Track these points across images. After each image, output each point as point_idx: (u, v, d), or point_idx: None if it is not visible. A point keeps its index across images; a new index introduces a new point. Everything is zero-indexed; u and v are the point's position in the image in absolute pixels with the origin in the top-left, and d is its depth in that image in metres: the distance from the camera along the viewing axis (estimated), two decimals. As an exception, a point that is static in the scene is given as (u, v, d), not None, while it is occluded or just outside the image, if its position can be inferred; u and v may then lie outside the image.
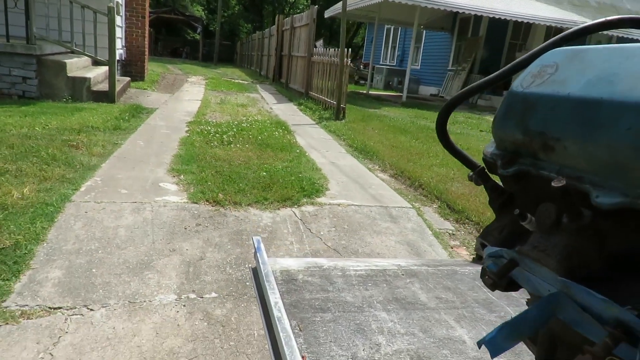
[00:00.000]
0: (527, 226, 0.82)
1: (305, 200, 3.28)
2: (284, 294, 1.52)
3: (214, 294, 2.13)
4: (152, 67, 13.77)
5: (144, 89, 9.22)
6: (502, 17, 11.29)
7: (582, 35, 0.92)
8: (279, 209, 3.10)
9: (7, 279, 2.06)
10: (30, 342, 1.72)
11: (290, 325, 1.30)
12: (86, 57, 7.29)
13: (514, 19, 11.36)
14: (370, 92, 15.02)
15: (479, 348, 0.80)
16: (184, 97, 8.96)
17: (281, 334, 1.24)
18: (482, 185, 0.99)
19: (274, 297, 1.38)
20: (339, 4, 14.86)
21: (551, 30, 12.52)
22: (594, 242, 0.74)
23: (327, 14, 15.53)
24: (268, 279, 1.48)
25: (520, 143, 0.85)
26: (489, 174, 0.98)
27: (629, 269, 0.70)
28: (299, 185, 3.52)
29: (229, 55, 35.33)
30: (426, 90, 18.04)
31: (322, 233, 2.86)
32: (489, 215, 3.40)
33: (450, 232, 3.24)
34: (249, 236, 2.70)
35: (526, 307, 0.86)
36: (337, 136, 6.14)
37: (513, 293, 1.56)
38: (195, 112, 6.96)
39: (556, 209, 0.76)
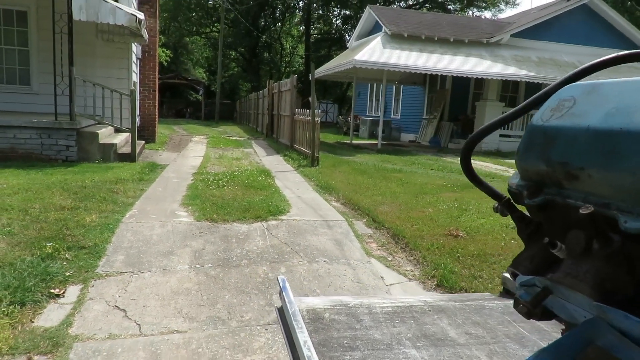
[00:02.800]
0: (558, 254, 0.84)
1: (271, 217, 4.97)
2: (312, 332, 1.49)
3: (209, 265, 3.76)
4: (160, 130, 15.78)
5: (156, 149, 11.10)
6: (459, 75, 13.32)
7: (594, 71, 0.95)
8: (252, 223, 4.79)
9: (94, 260, 3.70)
10: (112, 287, 3.35)
11: None
12: (110, 127, 9.18)
13: (468, 76, 13.38)
14: (353, 141, 16.90)
15: None
16: (189, 155, 10.81)
17: None
18: (505, 214, 1.02)
19: (303, 336, 1.34)
20: (322, 67, 17.10)
21: (501, 81, 14.54)
22: (626, 267, 0.75)
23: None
24: (296, 318, 1.45)
25: (544, 173, 0.89)
26: (515, 205, 1.00)
27: None
28: (268, 209, 5.21)
29: (230, 113, 37.54)
30: (406, 137, 19.98)
31: (279, 235, 4.51)
32: (399, 224, 5.03)
33: (369, 234, 4.88)
34: (233, 237, 4.35)
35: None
36: (309, 178, 7.87)
37: (544, 327, 1.65)
38: (198, 166, 8.75)
39: (585, 236, 0.78)
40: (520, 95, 16.87)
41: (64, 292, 3.23)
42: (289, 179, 7.84)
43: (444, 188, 6.99)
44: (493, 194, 1.12)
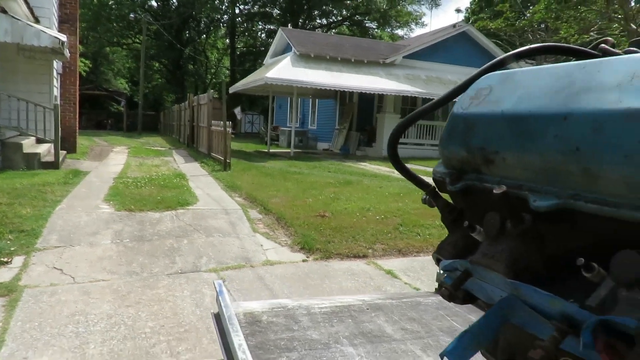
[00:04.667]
0: (477, 237, 0.89)
1: (180, 207, 6.21)
2: (248, 336, 1.47)
3: (127, 240, 4.95)
4: (80, 141, 16.20)
5: (78, 159, 11.79)
6: (358, 91, 15.21)
7: (508, 63, 1.04)
8: (164, 211, 6.00)
9: (33, 239, 4.75)
10: (50, 256, 4.45)
11: None
12: (34, 137, 9.85)
13: (366, 92, 15.32)
14: (271, 150, 18.27)
15: None
16: (110, 163, 11.63)
17: None
18: (432, 204, 1.07)
19: (238, 339, 1.32)
20: (240, 82, 18.37)
21: (399, 97, 16.68)
22: (536, 244, 0.80)
23: (231, 90, 18.98)
24: (231, 322, 1.43)
25: (464, 160, 0.95)
26: (440, 193, 1.07)
27: (568, 268, 0.73)
28: (178, 202, 6.44)
29: (154, 125, 37.21)
30: (322, 145, 21.70)
31: (185, 219, 5.77)
32: (283, 210, 6.45)
33: (259, 218, 6.26)
34: (147, 222, 5.54)
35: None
36: (219, 180, 9.13)
37: (475, 319, 1.63)
38: (119, 172, 9.69)
39: (500, 217, 0.83)
40: (418, 107, 19.15)
41: (11, 261, 4.28)
42: (201, 180, 9.06)
43: (329, 185, 8.57)
44: (419, 183, 1.17)
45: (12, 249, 4.48)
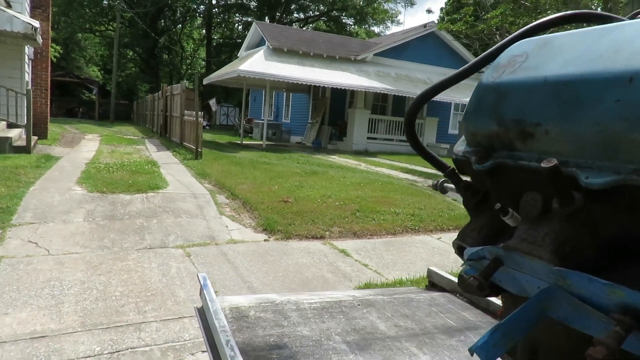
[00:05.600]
0: (509, 221, 0.81)
1: (150, 191, 6.53)
2: (235, 332, 1.43)
3: (99, 218, 5.27)
4: (51, 128, 16.15)
5: (49, 144, 11.87)
6: (329, 86, 15.65)
7: (541, 30, 0.96)
8: (134, 194, 6.33)
9: (8, 216, 5.03)
10: (25, 231, 4.75)
11: None
12: (4, 122, 9.93)
13: (337, 87, 15.77)
14: (244, 142, 18.55)
15: (472, 356, 0.76)
16: (83, 149, 11.76)
17: None
18: (444, 191, 1.03)
19: (225, 336, 1.27)
20: (214, 74, 18.56)
21: (370, 92, 17.23)
22: (587, 227, 0.71)
23: (205, 81, 19.15)
24: (217, 317, 1.38)
25: (494, 135, 0.85)
26: (460, 175, 0.99)
27: (625, 254, 0.67)
28: (149, 186, 6.77)
29: (127, 114, 36.87)
30: (295, 139, 22.07)
31: (155, 202, 6.11)
32: (249, 196, 6.85)
33: (226, 203, 6.64)
34: (118, 203, 5.86)
35: (486, 329, 0.88)
36: (190, 168, 9.44)
37: (470, 317, 1.71)
38: (91, 158, 9.89)
39: (543, 197, 0.75)
40: (388, 104, 19.78)
41: (-13, 235, 4.56)
42: (172, 168, 9.36)
43: (295, 174, 9.00)
44: (436, 164, 1.09)
45: (-12, 224, 4.75)
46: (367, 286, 4.03)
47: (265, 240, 5.22)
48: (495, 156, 0.88)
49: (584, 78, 0.70)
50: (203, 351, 2.92)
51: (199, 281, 1.63)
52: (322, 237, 5.42)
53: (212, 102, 34.84)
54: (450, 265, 4.70)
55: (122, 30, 37.96)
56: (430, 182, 9.81)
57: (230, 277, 4.07)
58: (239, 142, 18.36)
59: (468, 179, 1.01)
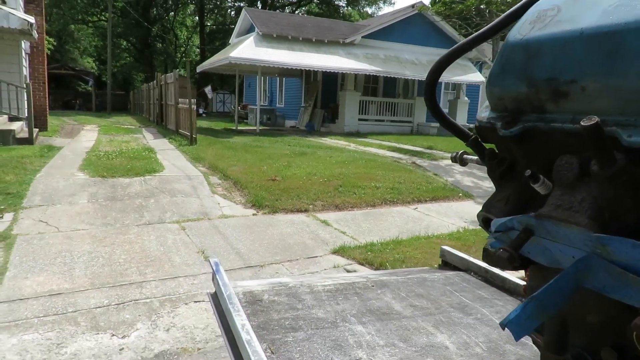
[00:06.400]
0: (540, 189, 0.77)
1: (148, 174, 7.05)
2: (250, 316, 1.42)
3: (102, 200, 5.79)
4: (50, 120, 16.59)
5: (50, 136, 12.35)
6: (319, 70, 16.04)
7: None
8: (133, 177, 6.84)
9: (19, 200, 5.54)
10: (35, 212, 5.27)
11: (261, 348, 1.20)
12: (6, 115, 10.39)
13: (326, 70, 16.16)
14: (239, 127, 18.97)
15: (503, 330, 0.75)
16: (82, 139, 12.24)
17: (252, 358, 1.14)
18: (464, 163, 0.99)
19: (240, 320, 1.27)
20: (206, 61, 18.89)
21: (361, 75, 17.61)
22: (630, 190, 0.68)
23: (199, 69, 19.50)
24: (231, 301, 1.37)
25: (524, 97, 0.81)
26: (482, 144, 0.94)
27: None
28: (146, 169, 7.27)
29: (123, 104, 37.04)
30: (289, 123, 22.48)
31: (152, 184, 6.63)
32: (240, 176, 7.35)
33: (218, 183, 7.16)
34: (118, 186, 6.38)
35: (502, 306, 0.86)
36: (185, 153, 9.94)
37: (485, 295, 1.70)
38: (91, 147, 10.38)
39: (579, 160, 0.71)
40: (379, 86, 20.16)
41: (2, 216, 5.08)
42: (168, 154, 9.86)
43: (285, 156, 9.49)
44: (458, 132, 1.06)
45: (1, 207, 5.27)
46: (342, 249, 4.56)
47: (253, 214, 5.74)
48: (524, 120, 0.83)
49: (628, 27, 0.66)
50: (196, 301, 3.45)
51: (211, 266, 1.61)
52: (306, 211, 5.94)
53: (208, 89, 35.08)
54: (420, 231, 5.22)
55: (115, 20, 38.01)
56: (415, 160, 10.31)
57: (221, 245, 4.59)
58: (234, 128, 18.79)
59: (492, 147, 0.96)
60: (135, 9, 39.26)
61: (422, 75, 16.05)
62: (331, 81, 19.60)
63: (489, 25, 0.96)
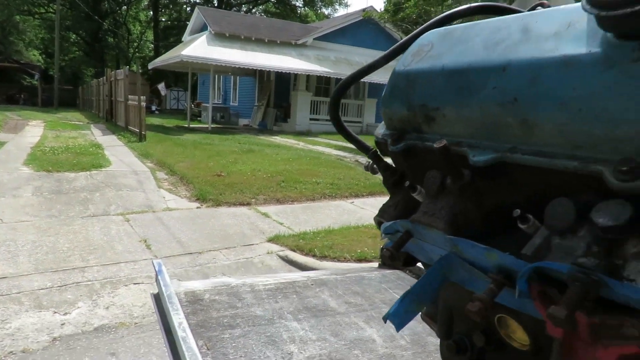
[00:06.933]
0: (418, 197, 0.90)
1: (94, 169, 7.21)
2: (189, 315, 1.46)
3: (46, 193, 5.94)
4: (-7, 114, 16.10)
5: (-8, 131, 12.09)
6: (270, 70, 16.39)
7: (449, 21, 1.06)
8: (79, 172, 6.99)
9: (-39, 193, 5.62)
10: (-20, 201, 5.38)
11: (197, 345, 1.26)
12: (-55, 109, 10.14)
13: (277, 71, 16.54)
14: (191, 125, 18.97)
15: (385, 323, 0.86)
16: (27, 135, 12.05)
17: (186, 354, 1.18)
18: (375, 171, 1.09)
19: (178, 318, 1.32)
20: (158, 58, 18.81)
21: (307, 76, 18.12)
22: (475, 200, 0.82)
23: (150, 66, 19.39)
24: (171, 300, 1.42)
25: (406, 119, 0.95)
26: (381, 157, 1.08)
27: (507, 222, 0.74)
28: (92, 165, 7.42)
29: (72, 100, 35.79)
30: (243, 121, 22.63)
31: (98, 178, 6.81)
32: (186, 172, 7.62)
33: (165, 178, 7.40)
34: (64, 180, 6.53)
35: None
36: (134, 150, 10.06)
37: None
38: (36, 142, 10.30)
39: (440, 174, 0.85)
40: (331, 87, 20.71)
41: (-57, 209, 5.17)
42: (117, 150, 9.95)
43: (233, 153, 9.81)
44: (360, 146, 1.18)
45: (-57, 200, 5.34)
46: (277, 237, 4.97)
47: (197, 207, 6.06)
48: (407, 138, 0.96)
49: (471, 67, 0.80)
50: (135, 283, 3.77)
51: (154, 267, 1.64)
52: (248, 204, 6.31)
53: (161, 86, 34.50)
54: (352, 222, 5.71)
55: (64, 13, 36.71)
56: (358, 158, 10.88)
57: (163, 235, 4.90)
58: (186, 125, 18.80)
59: (389, 159, 1.09)
60: (86, 1, 38.04)
61: (372, 77, 16.72)
62: (284, 81, 19.97)
63: (384, 53, 1.08)
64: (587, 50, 0.65)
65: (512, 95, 0.72)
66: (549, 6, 1.01)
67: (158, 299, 1.51)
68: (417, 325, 1.49)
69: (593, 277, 0.58)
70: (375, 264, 4.57)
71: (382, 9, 19.73)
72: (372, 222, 4.45)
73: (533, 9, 1.03)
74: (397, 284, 1.97)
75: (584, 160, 0.64)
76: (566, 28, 0.70)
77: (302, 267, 4.34)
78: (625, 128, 0.60)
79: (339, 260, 4.45)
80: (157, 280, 1.58)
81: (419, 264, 1.03)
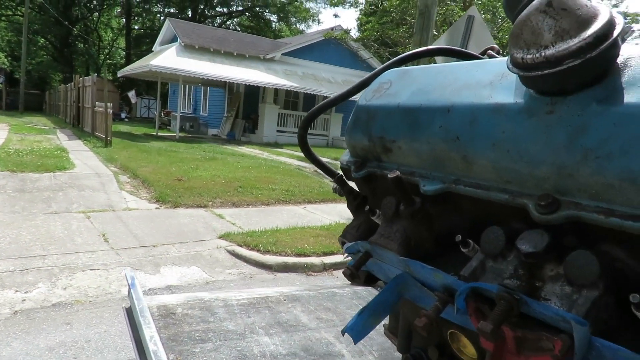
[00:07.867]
0: (377, 220, 0.98)
1: (58, 171, 7.53)
2: (161, 329, 1.48)
3: (10, 191, 6.25)
4: (-45, 116, 15.99)
5: (-45, 132, 12.13)
6: (238, 82, 16.91)
7: (409, 60, 1.15)
8: (43, 173, 7.30)
9: None
10: (-55, 197, 5.68)
11: (169, 359, 1.28)
12: None
13: (246, 84, 17.08)
14: (159, 133, 19.19)
15: (343, 336, 0.91)
16: (-9, 138, 12.16)
17: None
18: (342, 193, 1.14)
19: (149, 332, 1.32)
20: (128, 67, 19.06)
21: (276, 90, 18.73)
22: (425, 225, 0.89)
23: (120, 74, 19.61)
24: (143, 314, 1.43)
25: (366, 148, 1.02)
26: (346, 181, 1.14)
27: (453, 245, 0.81)
28: (56, 167, 7.74)
29: (38, 105, 35.17)
30: (212, 131, 22.94)
31: (62, 179, 7.15)
32: (148, 176, 8.02)
33: (127, 181, 7.78)
34: (28, 180, 6.84)
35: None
36: (99, 154, 10.36)
37: None
38: (0, 145, 10.46)
39: (395, 200, 0.92)
40: (299, 100, 21.38)
41: None
42: (82, 154, 10.24)
43: (196, 160, 10.25)
44: (327, 171, 1.26)
45: None
46: (227, 234, 5.44)
47: (156, 208, 6.48)
48: (368, 166, 1.03)
49: (422, 106, 0.88)
50: (92, 269, 4.20)
51: (127, 281, 1.64)
52: (205, 206, 6.77)
53: (132, 94, 34.42)
54: (302, 223, 6.23)
55: (32, 16, 36.28)
56: (317, 169, 11.45)
57: (122, 231, 5.32)
58: (154, 133, 19.02)
59: (353, 184, 1.15)
60: (56, 6, 37.73)
61: (338, 92, 17.42)
62: (253, 93, 20.50)
63: (351, 87, 1.15)
64: (514, 100, 0.73)
65: (454, 134, 0.80)
66: (498, 50, 1.17)
67: (130, 312, 1.52)
68: (387, 341, 1.53)
69: (515, 297, 0.65)
70: (314, 259, 5.08)
71: (356, 26, 20.62)
72: (318, 223, 5.15)
73: (484, 52, 1.17)
74: (368, 301, 2.14)
75: (513, 194, 0.73)
76: (499, 79, 0.79)
77: (247, 260, 4.84)
78: (543, 168, 0.68)
79: (280, 255, 4.98)
80: (129, 293, 1.59)
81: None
